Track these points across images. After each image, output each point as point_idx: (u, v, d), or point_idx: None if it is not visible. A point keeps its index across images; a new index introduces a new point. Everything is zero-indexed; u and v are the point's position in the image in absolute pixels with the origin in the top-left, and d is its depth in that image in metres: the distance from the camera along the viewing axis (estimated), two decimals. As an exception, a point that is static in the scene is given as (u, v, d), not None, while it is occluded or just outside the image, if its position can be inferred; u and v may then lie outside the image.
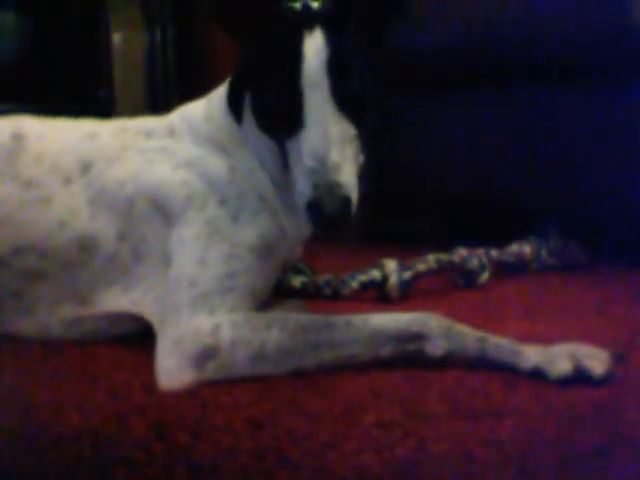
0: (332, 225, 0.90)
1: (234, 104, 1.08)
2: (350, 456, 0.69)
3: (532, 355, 0.88)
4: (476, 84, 1.89)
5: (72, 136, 1.14)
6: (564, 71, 1.72)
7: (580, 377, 0.84)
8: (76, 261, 1.07)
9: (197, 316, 0.92)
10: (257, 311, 0.99)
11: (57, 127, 1.18)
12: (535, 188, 1.84)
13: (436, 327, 0.90)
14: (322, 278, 1.42)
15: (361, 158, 1.00)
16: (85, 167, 1.10)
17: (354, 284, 1.39)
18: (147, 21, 3.09)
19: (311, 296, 1.38)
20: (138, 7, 3.08)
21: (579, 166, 1.75)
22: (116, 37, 3.00)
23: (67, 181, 1.09)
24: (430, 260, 1.41)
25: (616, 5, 1.61)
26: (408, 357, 0.91)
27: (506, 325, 1.11)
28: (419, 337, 0.90)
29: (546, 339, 0.91)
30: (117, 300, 1.06)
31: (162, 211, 1.05)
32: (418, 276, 1.39)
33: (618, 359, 0.87)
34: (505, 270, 1.55)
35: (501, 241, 1.56)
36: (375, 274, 1.38)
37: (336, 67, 0.93)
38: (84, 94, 2.77)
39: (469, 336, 0.91)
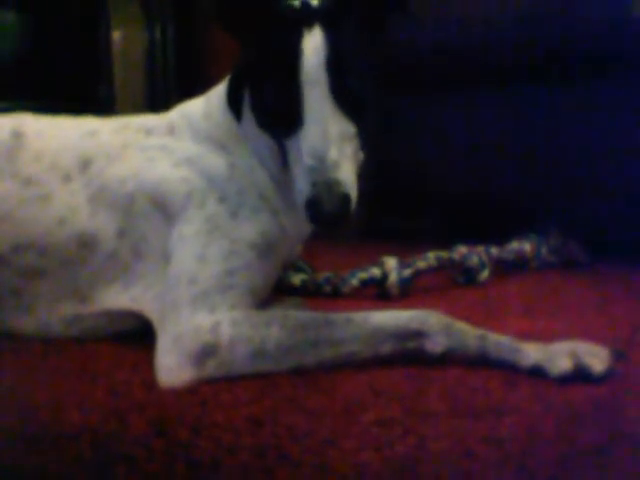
0: (331, 223, 0.90)
1: (233, 102, 1.08)
2: (350, 454, 0.69)
3: (532, 353, 0.88)
4: (476, 84, 1.89)
5: (72, 133, 1.14)
6: (564, 71, 1.72)
7: (580, 375, 0.84)
8: (76, 259, 1.07)
9: (197, 313, 0.92)
10: (257, 309, 0.99)
11: (57, 124, 1.17)
12: (535, 188, 1.85)
13: (436, 325, 0.90)
14: (322, 276, 1.42)
15: (360, 156, 1.00)
16: (85, 164, 1.10)
17: (354, 282, 1.39)
18: (147, 19, 3.09)
19: (311, 294, 1.38)
20: (138, 5, 3.07)
21: (579, 166, 1.75)
22: (116, 35, 2.99)
23: (67, 178, 1.09)
24: (430, 257, 1.41)
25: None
26: (408, 355, 0.91)
27: (506, 323, 1.11)
28: (419, 334, 0.90)
29: (546, 337, 0.91)
30: (117, 297, 1.06)
31: (162, 208, 1.04)
32: (418, 273, 1.39)
33: (618, 357, 0.87)
34: (505, 268, 1.55)
35: (501, 239, 1.56)
36: (375, 272, 1.38)
37: (335, 65, 0.92)
38: (84, 92, 2.77)
39: (469, 334, 0.91)
